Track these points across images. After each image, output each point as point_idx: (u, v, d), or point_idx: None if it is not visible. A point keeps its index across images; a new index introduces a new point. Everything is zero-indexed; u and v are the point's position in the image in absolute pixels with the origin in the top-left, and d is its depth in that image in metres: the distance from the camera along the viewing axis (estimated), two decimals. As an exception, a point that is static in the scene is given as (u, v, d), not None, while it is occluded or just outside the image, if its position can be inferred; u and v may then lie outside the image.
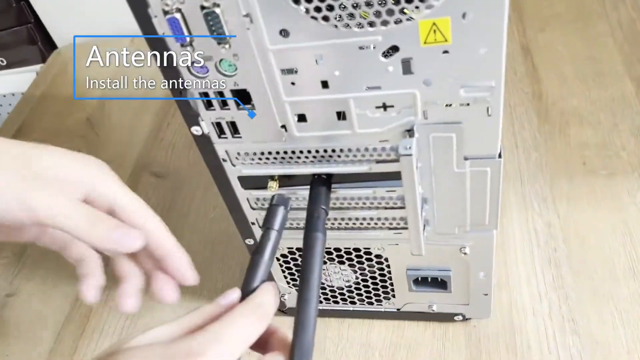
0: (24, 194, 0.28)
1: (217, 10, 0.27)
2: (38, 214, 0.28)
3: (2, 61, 0.96)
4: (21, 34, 0.92)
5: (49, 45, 0.95)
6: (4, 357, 0.53)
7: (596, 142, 0.58)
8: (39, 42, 0.93)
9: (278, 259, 0.44)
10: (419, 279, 0.43)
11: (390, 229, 0.39)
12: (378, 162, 0.34)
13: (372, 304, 0.47)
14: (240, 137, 0.34)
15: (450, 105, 0.30)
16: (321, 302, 0.47)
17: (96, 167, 0.31)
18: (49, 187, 0.29)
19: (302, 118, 0.33)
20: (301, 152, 0.35)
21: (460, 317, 0.46)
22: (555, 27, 0.72)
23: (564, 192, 0.54)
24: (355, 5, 0.27)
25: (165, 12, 0.28)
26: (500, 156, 0.33)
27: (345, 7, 0.27)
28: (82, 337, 0.53)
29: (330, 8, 0.27)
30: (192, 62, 0.30)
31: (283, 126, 0.33)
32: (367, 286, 0.45)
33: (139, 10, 0.28)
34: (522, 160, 0.58)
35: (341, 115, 0.32)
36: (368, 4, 0.26)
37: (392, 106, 0.31)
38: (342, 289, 0.46)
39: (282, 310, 0.50)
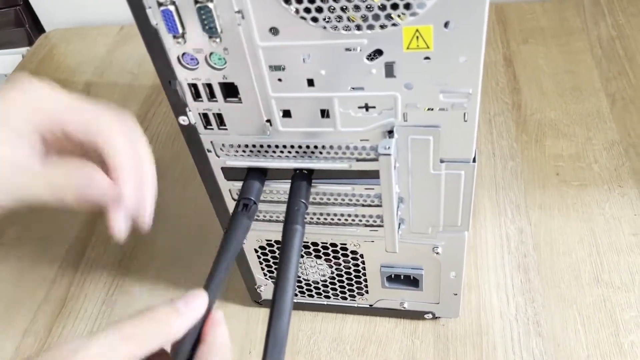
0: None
1: (210, 5, 0.28)
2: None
3: (-13, 42, 0.95)
4: (8, 15, 0.92)
5: (37, 28, 0.95)
6: (-22, 337, 0.53)
7: (570, 154, 0.60)
8: (26, 25, 0.93)
9: (256, 251, 0.45)
10: (392, 276, 0.45)
11: (366, 226, 0.40)
12: (358, 160, 0.36)
13: (345, 299, 0.48)
14: (226, 129, 0.35)
15: (430, 109, 0.32)
16: (296, 294, 0.49)
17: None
18: None
19: (287, 114, 0.34)
20: (284, 146, 0.36)
21: (430, 316, 0.48)
22: (538, 40, 0.74)
23: (537, 201, 0.56)
24: (343, 8, 0.28)
25: (160, 4, 0.29)
26: (474, 160, 0.35)
27: (334, 9, 0.28)
28: (58, 319, 0.53)
29: (320, 10, 0.28)
30: (183, 54, 0.31)
31: (268, 120, 0.34)
32: (342, 281, 0.46)
33: (135, 4, 0.29)
34: (499, 168, 0.60)
35: (325, 113, 0.33)
36: (356, 8, 0.28)
37: (374, 107, 0.32)
38: (318, 282, 0.47)
39: (257, 301, 0.51)
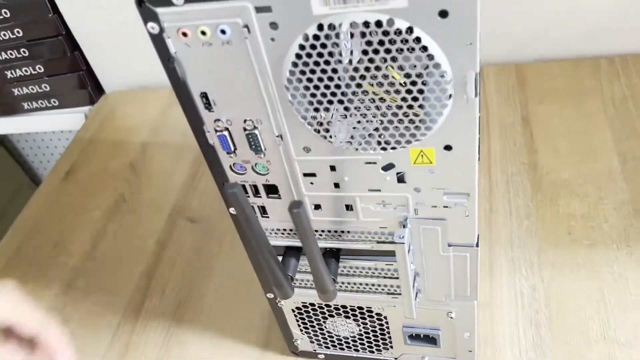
0: None
1: (256, 132, 0.36)
2: None
3: (55, 102, 1.06)
4: (73, 79, 1.03)
5: (97, 90, 1.06)
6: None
7: (582, 214, 0.65)
8: (88, 87, 1.04)
9: (293, 310, 0.52)
10: (413, 334, 0.51)
11: (388, 294, 0.47)
12: (378, 242, 0.42)
13: (372, 352, 0.54)
14: (268, 217, 0.43)
15: (436, 206, 0.38)
16: (328, 347, 0.55)
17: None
18: None
19: (317, 207, 0.41)
20: (316, 230, 0.43)
21: (449, 369, 0.53)
22: (554, 100, 0.79)
23: (549, 259, 0.61)
24: (368, 142, 0.35)
25: (216, 130, 0.36)
26: (477, 245, 0.41)
27: (354, 138, 0.35)
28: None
29: (358, 136, 0.35)
30: (234, 164, 0.39)
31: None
32: (369, 338, 0.52)
33: (196, 126, 0.37)
34: (515, 227, 0.65)
35: (349, 207, 0.40)
36: (379, 142, 0.34)
37: (390, 204, 0.39)
38: (348, 338, 0.53)
39: (294, 352, 0.57)
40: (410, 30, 0.29)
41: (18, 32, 0.99)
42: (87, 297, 0.70)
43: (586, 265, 0.60)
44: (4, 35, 1.00)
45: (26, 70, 1.03)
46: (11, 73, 1.04)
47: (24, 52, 1.01)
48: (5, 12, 0.97)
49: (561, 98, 0.79)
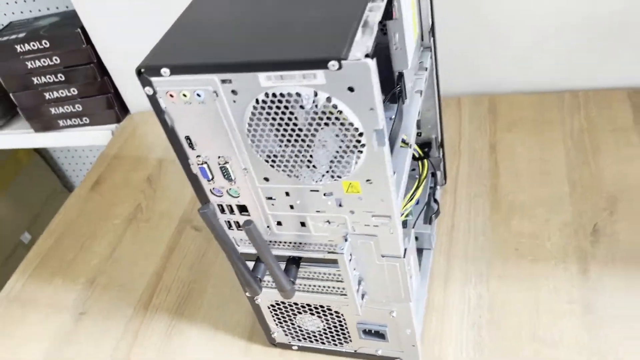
0: None
1: (227, 165, 0.47)
2: None
3: (86, 120, 1.20)
4: (102, 101, 1.17)
5: (123, 110, 1.19)
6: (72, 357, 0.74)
7: (530, 232, 0.74)
8: (115, 108, 1.17)
9: (269, 307, 0.63)
10: (366, 330, 0.61)
11: (341, 295, 0.57)
12: (329, 252, 0.53)
13: (336, 345, 0.65)
14: (242, 230, 0.54)
15: (368, 225, 0.49)
16: (300, 340, 0.66)
17: None
18: None
19: (279, 223, 0.52)
20: (280, 242, 0.54)
21: (399, 360, 0.63)
22: (520, 129, 0.89)
23: (497, 272, 0.71)
24: (310, 175, 0.46)
25: (198, 163, 0.48)
26: (404, 256, 0.51)
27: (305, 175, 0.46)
28: (134, 345, 0.73)
29: (301, 171, 0.46)
30: (213, 188, 0.50)
31: (268, 226, 0.52)
32: (332, 332, 0.63)
33: (183, 160, 0.48)
34: (471, 243, 0.75)
35: (303, 224, 0.51)
36: (318, 176, 0.45)
37: (334, 222, 0.50)
38: (315, 332, 0.64)
39: (273, 344, 0.68)
40: (329, 99, 0.40)
41: (56, 59, 1.13)
42: (106, 292, 0.82)
43: (527, 278, 0.69)
44: (44, 62, 1.14)
45: (62, 93, 1.18)
46: (49, 94, 1.19)
47: (60, 77, 1.16)
48: (45, 43, 1.11)
49: (526, 128, 0.89)
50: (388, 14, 0.50)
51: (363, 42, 0.39)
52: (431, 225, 0.75)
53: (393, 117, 0.56)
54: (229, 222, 0.54)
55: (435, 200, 0.79)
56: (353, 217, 0.49)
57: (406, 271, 0.52)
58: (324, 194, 0.47)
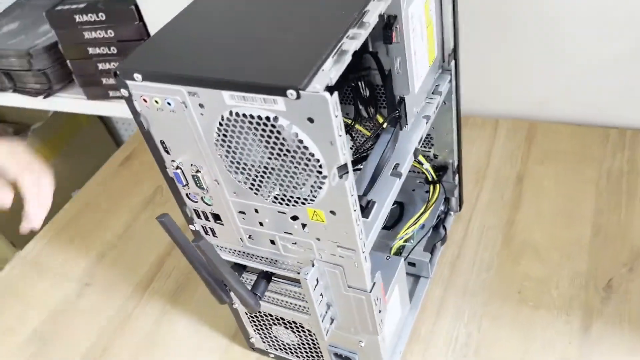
0: None
1: (199, 174, 0.47)
2: None
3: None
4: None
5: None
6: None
7: (537, 276, 0.69)
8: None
9: (246, 314, 0.62)
10: (337, 354, 0.59)
11: (309, 315, 0.56)
12: (298, 273, 0.52)
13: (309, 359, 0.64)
14: (217, 237, 0.54)
15: (334, 254, 0.47)
16: (277, 349, 0.65)
17: None
18: None
19: (250, 237, 0.51)
20: (252, 255, 0.53)
21: (369, 388, 0.62)
22: (553, 162, 0.83)
23: (493, 312, 0.67)
24: (276, 196, 0.44)
25: (173, 168, 0.48)
26: (371, 291, 0.49)
27: (269, 194, 0.45)
28: (126, 325, 0.75)
29: (260, 191, 0.45)
30: (188, 193, 0.50)
31: (241, 238, 0.52)
32: (305, 348, 0.62)
33: (160, 163, 0.48)
34: (473, 277, 0.71)
35: (273, 242, 0.50)
36: (282, 198, 0.44)
37: (301, 246, 0.48)
38: (290, 345, 0.63)
39: (252, 348, 0.68)
40: (289, 126, 0.38)
41: (111, 32, 1.17)
42: (112, 267, 0.85)
43: (523, 325, 0.65)
44: (100, 34, 1.19)
45: (114, 65, 1.21)
46: (102, 65, 1.23)
47: (113, 49, 1.19)
48: (102, 15, 1.15)
49: (560, 162, 0.83)
50: (387, 37, 0.47)
51: (329, 73, 0.37)
52: (433, 253, 0.72)
53: (387, 142, 0.54)
54: (204, 227, 0.53)
55: (444, 227, 0.76)
56: (319, 244, 0.47)
57: (373, 306, 0.50)
58: (291, 217, 0.46)
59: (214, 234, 0.53)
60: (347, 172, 0.40)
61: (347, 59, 0.38)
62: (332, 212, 0.43)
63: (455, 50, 0.61)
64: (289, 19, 0.43)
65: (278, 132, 0.39)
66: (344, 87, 0.63)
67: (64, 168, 1.66)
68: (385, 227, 0.75)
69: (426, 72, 0.57)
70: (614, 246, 0.70)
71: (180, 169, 0.48)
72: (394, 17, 0.47)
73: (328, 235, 0.46)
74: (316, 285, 0.50)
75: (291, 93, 0.36)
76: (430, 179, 0.70)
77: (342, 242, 0.46)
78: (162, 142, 0.46)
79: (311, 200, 0.43)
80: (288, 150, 0.40)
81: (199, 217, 0.52)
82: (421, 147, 0.74)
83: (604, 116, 0.87)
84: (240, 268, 0.55)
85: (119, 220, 0.93)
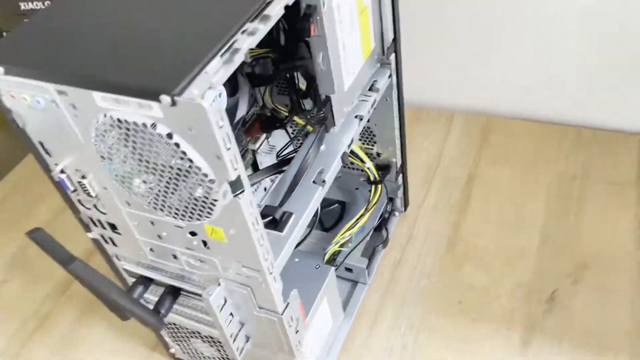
0: None
1: (85, 181, 0.41)
2: None
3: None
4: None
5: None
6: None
7: (480, 286, 0.66)
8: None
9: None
10: (259, 370, 0.55)
11: (225, 332, 0.51)
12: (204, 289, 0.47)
13: (232, 375, 0.59)
14: (117, 247, 0.48)
15: (240, 274, 0.42)
16: (199, 361, 0.61)
17: None
18: None
19: (152, 250, 0.46)
20: (158, 268, 0.48)
21: (293, 406, 0.57)
22: (506, 163, 0.79)
23: (430, 324, 0.63)
24: (169, 210, 0.39)
25: (58, 171, 0.42)
26: (283, 313, 0.44)
27: (163, 206, 0.39)
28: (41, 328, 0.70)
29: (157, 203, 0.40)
30: (79, 200, 0.44)
31: (141, 250, 0.46)
32: (225, 361, 0.57)
33: (43, 166, 0.42)
34: (413, 284, 0.67)
35: (176, 257, 0.45)
36: (176, 212, 0.39)
37: (205, 262, 0.43)
38: (210, 357, 0.58)
39: (173, 358, 0.63)
40: (170, 136, 0.33)
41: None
42: (33, 263, 0.78)
43: (461, 339, 0.61)
44: (36, 5, 1.10)
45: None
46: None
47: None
48: (39, -15, 1.06)
49: (514, 163, 0.78)
50: (305, 30, 0.42)
51: (213, 75, 0.31)
52: (373, 258, 0.68)
53: (309, 147, 0.48)
54: (102, 236, 0.48)
55: (386, 229, 0.71)
56: (223, 263, 0.42)
57: (287, 327, 0.45)
58: (190, 233, 0.41)
59: (114, 243, 0.48)
60: (243, 190, 0.35)
61: (239, 58, 0.32)
62: (231, 230, 0.38)
63: (395, 41, 0.56)
64: (178, 11, 0.37)
65: (158, 141, 0.33)
66: (275, 78, 0.58)
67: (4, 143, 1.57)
68: (324, 229, 0.70)
69: (359, 67, 0.51)
70: (561, 256, 0.67)
71: (66, 173, 0.42)
72: (314, 6, 0.41)
73: (230, 254, 0.40)
74: (224, 305, 0.45)
75: (164, 99, 0.30)
76: (372, 178, 0.66)
77: (245, 262, 0.41)
78: (41, 144, 0.40)
79: (206, 216, 0.38)
80: (171, 164, 0.34)
81: (95, 225, 0.47)
82: (363, 144, 0.69)
83: (562, 114, 0.83)
84: (147, 280, 0.50)
85: (49, 207, 0.86)
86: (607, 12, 0.71)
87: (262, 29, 0.34)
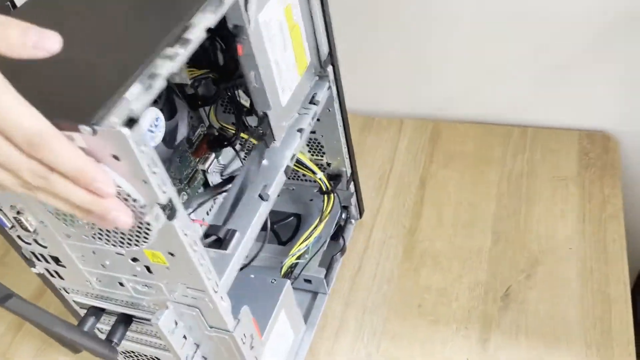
0: None
1: (22, 217, 0.41)
2: None
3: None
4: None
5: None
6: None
7: (438, 288, 0.67)
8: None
9: (121, 353, 0.57)
10: (219, 391, 0.55)
11: (180, 356, 0.51)
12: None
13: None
14: (64, 279, 0.47)
15: (186, 296, 0.42)
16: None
17: None
18: None
19: (99, 279, 0.45)
20: (107, 297, 0.47)
21: None
22: (457, 166, 0.80)
23: (393, 329, 0.64)
24: (107, 235, 0.39)
25: (-7, 209, 0.41)
26: (234, 331, 0.44)
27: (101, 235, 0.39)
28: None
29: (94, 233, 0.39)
30: (19, 236, 0.44)
31: (87, 281, 0.46)
32: (187, 386, 0.57)
33: (-19, 203, 0.42)
34: (374, 291, 0.68)
35: (122, 284, 0.45)
36: (115, 241, 0.39)
37: (151, 287, 0.43)
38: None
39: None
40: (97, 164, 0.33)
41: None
42: None
43: (422, 341, 0.62)
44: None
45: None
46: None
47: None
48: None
49: (463, 165, 0.80)
50: (231, 49, 0.42)
51: (133, 102, 0.31)
52: (331, 267, 0.68)
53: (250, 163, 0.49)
54: (47, 270, 0.47)
55: (343, 238, 0.72)
56: (168, 286, 0.42)
57: (240, 345, 0.45)
58: (132, 259, 0.41)
59: (60, 276, 0.47)
60: (175, 212, 0.35)
61: (159, 84, 0.33)
62: (171, 254, 0.38)
63: (331, 54, 0.57)
64: (96, 39, 0.37)
65: (86, 170, 0.33)
66: (217, 98, 0.58)
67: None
68: (281, 243, 0.71)
69: (296, 82, 0.52)
70: (513, 252, 0.68)
71: (1, 210, 0.41)
72: (240, 27, 0.42)
73: (174, 276, 0.40)
74: (175, 328, 0.45)
75: (84, 129, 0.30)
76: (324, 188, 0.66)
77: (189, 284, 0.41)
78: (-27, 181, 0.40)
79: (144, 241, 0.38)
80: (101, 189, 0.34)
81: (39, 260, 0.46)
82: (313, 155, 0.70)
83: (506, 115, 0.85)
84: (99, 311, 0.50)
85: (1, 243, 0.84)
86: (542, 15, 0.74)
87: (182, 53, 0.35)
